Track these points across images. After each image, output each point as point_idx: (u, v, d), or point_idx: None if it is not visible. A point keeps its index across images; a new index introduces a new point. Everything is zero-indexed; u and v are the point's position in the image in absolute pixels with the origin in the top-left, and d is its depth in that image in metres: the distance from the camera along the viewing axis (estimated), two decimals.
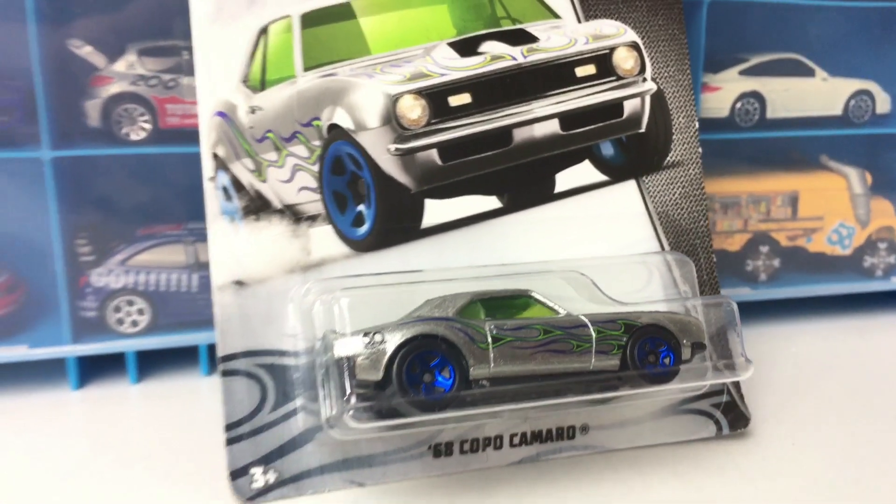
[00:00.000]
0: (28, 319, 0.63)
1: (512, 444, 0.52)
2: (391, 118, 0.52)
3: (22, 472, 0.52)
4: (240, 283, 0.50)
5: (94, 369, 0.64)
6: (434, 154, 0.53)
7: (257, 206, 0.51)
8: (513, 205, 0.56)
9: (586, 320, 0.47)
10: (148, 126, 0.62)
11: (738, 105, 0.73)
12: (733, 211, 0.76)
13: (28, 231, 0.62)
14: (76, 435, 0.57)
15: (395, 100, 0.52)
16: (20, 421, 0.58)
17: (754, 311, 0.77)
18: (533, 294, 0.48)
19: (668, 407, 0.55)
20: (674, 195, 0.59)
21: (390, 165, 0.52)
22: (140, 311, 0.63)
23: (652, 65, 0.59)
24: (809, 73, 0.75)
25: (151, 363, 0.65)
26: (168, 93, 0.62)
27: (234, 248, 0.50)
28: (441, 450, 0.51)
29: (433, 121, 0.53)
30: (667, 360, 0.47)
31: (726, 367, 0.51)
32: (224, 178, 0.51)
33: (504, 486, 0.51)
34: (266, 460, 0.48)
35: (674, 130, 0.59)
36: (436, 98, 0.53)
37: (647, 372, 0.47)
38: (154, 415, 0.60)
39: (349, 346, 0.43)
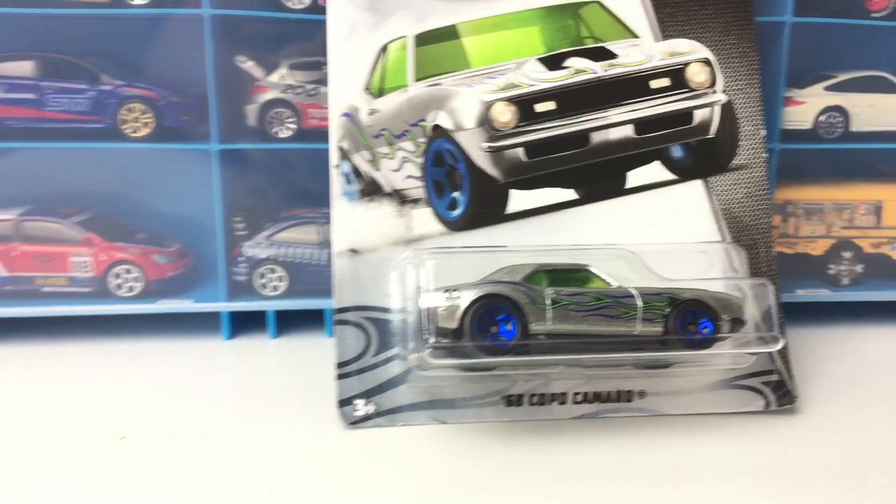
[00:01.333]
0: (194, 281, 0.78)
1: (575, 402, 0.61)
2: (485, 121, 0.63)
3: (181, 401, 0.65)
4: (354, 251, 0.61)
5: (242, 324, 0.78)
6: (520, 152, 0.63)
7: (371, 190, 0.63)
8: (588, 197, 0.64)
9: (635, 292, 0.55)
10: (293, 126, 0.75)
11: (822, 118, 0.78)
12: (816, 217, 0.80)
13: (198, 210, 0.76)
14: (226, 375, 0.71)
15: (489, 106, 0.63)
16: (183, 360, 0.72)
17: (834, 312, 0.81)
18: (591, 268, 0.56)
19: (720, 381, 0.62)
20: (738, 195, 0.66)
21: (482, 160, 0.63)
22: (280, 278, 0.76)
23: (723, 78, 0.66)
24: (894, 90, 0.79)
25: (287, 322, 0.78)
26: (310, 99, 0.75)
27: (350, 223, 0.62)
28: (513, 400, 0.60)
29: (521, 124, 0.63)
30: (705, 331, 0.55)
31: (758, 340, 0.57)
32: (346, 167, 0.63)
33: (565, 436, 0.59)
34: (367, 394, 0.60)
35: (741, 137, 0.66)
36: (524, 105, 0.63)
37: (684, 338, 0.54)
38: (286, 362, 0.72)
39: (432, 299, 0.53)
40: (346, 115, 0.63)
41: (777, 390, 0.62)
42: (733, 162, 0.66)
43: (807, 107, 0.79)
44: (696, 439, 0.59)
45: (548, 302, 0.53)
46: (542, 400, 0.61)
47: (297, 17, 0.71)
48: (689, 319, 0.55)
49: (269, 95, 0.75)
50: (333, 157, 0.63)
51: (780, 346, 0.58)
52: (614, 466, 0.55)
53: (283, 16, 0.71)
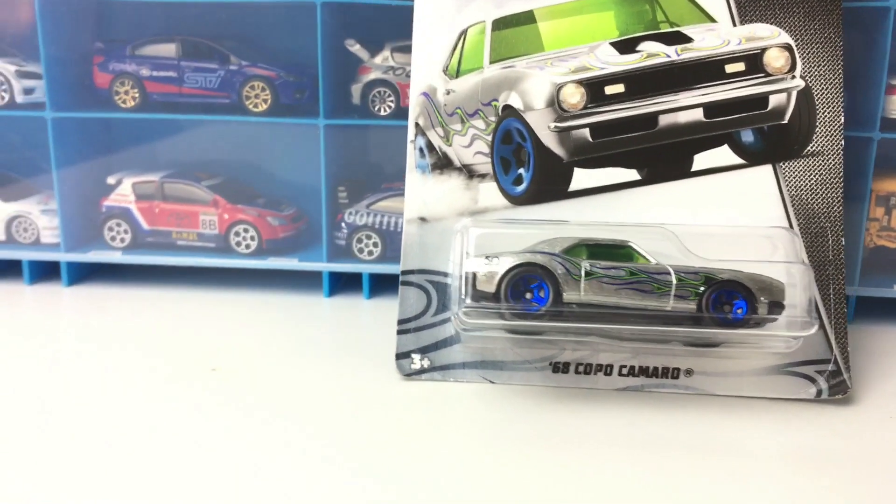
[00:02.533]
0: (303, 242, 0.87)
1: (620, 374, 0.63)
2: (554, 102, 0.66)
3: (274, 345, 0.74)
4: (423, 219, 0.67)
5: (342, 284, 0.86)
6: (586, 132, 0.66)
7: (442, 164, 0.68)
8: (651, 178, 0.66)
9: (670, 269, 0.57)
10: (392, 105, 0.81)
11: None
12: None
13: (309, 179, 0.85)
14: (319, 326, 0.78)
15: (559, 88, 0.66)
16: (287, 312, 0.81)
17: None
18: (632, 244, 0.59)
19: (772, 366, 0.62)
20: (810, 181, 0.65)
21: (549, 139, 0.66)
22: (375, 244, 0.83)
23: (804, 64, 0.65)
24: None
25: (380, 284, 0.85)
26: (408, 80, 0.81)
27: (422, 193, 0.67)
28: (559, 367, 0.64)
29: (589, 105, 0.66)
30: (739, 311, 0.56)
31: (790, 324, 0.57)
32: (421, 141, 0.68)
33: (608, 406, 0.62)
34: (424, 350, 0.65)
35: (818, 124, 0.65)
36: (593, 87, 0.66)
37: (716, 316, 0.55)
38: (377, 319, 0.79)
39: (474, 264, 0.58)
40: (424, 94, 0.68)
41: (831, 379, 0.62)
42: (807, 149, 0.65)
43: None
44: (740, 421, 0.60)
45: (582, 273, 0.56)
46: (588, 370, 0.63)
47: (399, 4, 0.77)
48: (725, 299, 0.56)
49: (373, 76, 0.81)
50: (410, 132, 0.68)
51: (811, 331, 0.57)
52: (650, 437, 0.58)
53: (388, 2, 0.77)
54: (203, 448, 0.56)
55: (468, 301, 0.58)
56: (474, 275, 0.58)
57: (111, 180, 0.87)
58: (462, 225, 0.64)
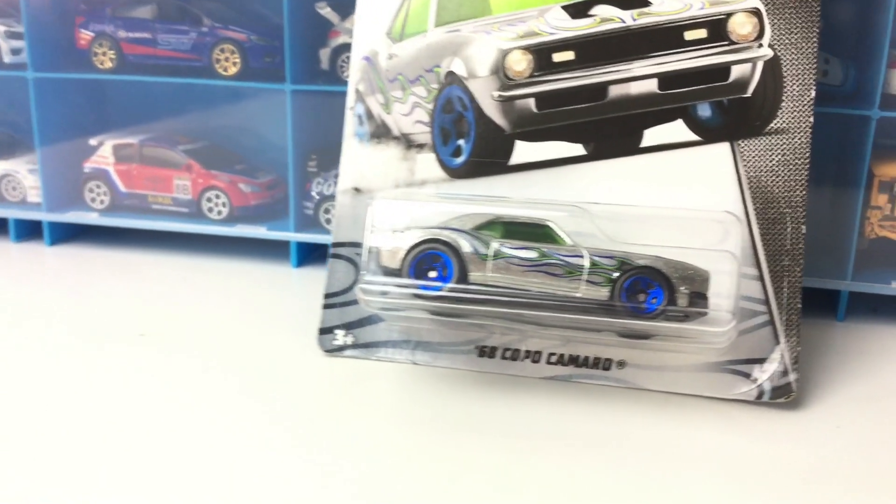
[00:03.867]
0: (277, 211, 0.85)
1: (549, 362, 0.59)
2: (499, 69, 0.62)
3: (236, 314, 0.73)
4: (357, 190, 0.64)
5: (311, 254, 0.84)
6: (531, 102, 0.61)
7: (381, 133, 0.65)
8: (597, 154, 0.61)
9: (584, 252, 0.52)
10: None
11: None
12: None
13: (283, 146, 0.83)
14: (285, 299, 0.76)
15: (504, 54, 0.62)
16: (252, 280, 0.80)
17: None
18: (550, 224, 0.54)
19: (713, 363, 0.57)
20: (771, 162, 0.59)
21: (491, 109, 0.62)
22: None
23: (773, 31, 0.59)
24: None
25: None
26: None
27: (358, 162, 0.64)
28: (486, 351, 0.60)
29: (535, 73, 0.61)
30: (654, 301, 0.51)
31: (699, 316, 0.51)
32: (360, 108, 0.65)
33: (532, 396, 0.58)
34: (348, 326, 0.63)
35: (784, 98, 0.59)
36: (540, 54, 0.61)
37: (627, 306, 0.50)
38: None
39: (379, 239, 0.55)
40: (366, 58, 0.65)
41: (775, 380, 0.56)
42: (771, 125, 0.59)
43: None
44: (667, 420, 0.55)
45: (490, 252, 0.53)
46: (516, 355, 0.60)
47: None
48: (640, 287, 0.51)
49: (342, 40, 0.79)
50: (350, 98, 0.65)
51: (725, 328, 0.52)
52: (567, 433, 0.54)
53: None
54: (116, 408, 0.56)
55: (367, 277, 0.55)
56: (378, 250, 0.55)
57: (93, 142, 0.88)
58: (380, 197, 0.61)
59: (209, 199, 0.84)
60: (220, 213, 0.85)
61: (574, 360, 0.59)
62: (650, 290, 0.51)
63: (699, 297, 0.51)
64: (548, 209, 0.56)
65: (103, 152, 0.87)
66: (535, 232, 0.54)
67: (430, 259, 0.54)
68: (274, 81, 0.79)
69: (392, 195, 0.62)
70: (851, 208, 0.70)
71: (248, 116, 0.88)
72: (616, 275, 0.51)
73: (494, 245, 0.53)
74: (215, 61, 0.81)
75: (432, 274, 0.54)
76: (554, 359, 0.59)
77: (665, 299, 0.51)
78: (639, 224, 0.56)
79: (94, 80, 0.87)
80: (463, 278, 0.53)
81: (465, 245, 0.53)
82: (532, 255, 0.52)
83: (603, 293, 0.51)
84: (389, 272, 0.55)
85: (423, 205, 0.58)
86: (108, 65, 0.84)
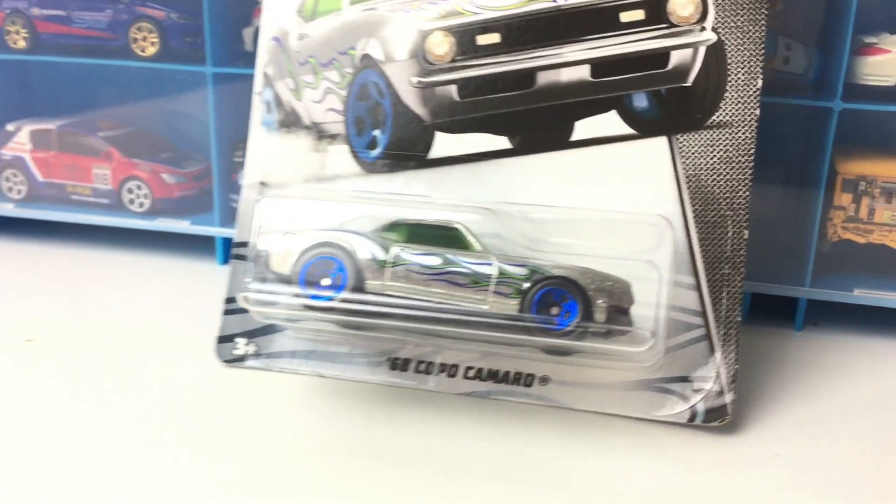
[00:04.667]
0: (201, 203, 0.79)
1: (466, 377, 0.54)
2: (419, 52, 0.56)
3: (161, 316, 0.67)
4: (264, 185, 0.58)
5: None
6: (452, 89, 0.56)
7: (290, 121, 0.59)
8: (524, 147, 0.55)
9: (493, 259, 0.46)
10: None
11: None
12: None
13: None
14: (215, 298, 0.70)
15: (424, 35, 0.56)
16: (172, 280, 0.74)
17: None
18: (458, 227, 0.48)
19: (642, 380, 0.51)
20: (712, 159, 0.53)
21: (410, 97, 0.56)
22: None
23: (717, 13, 0.53)
24: None
25: None
26: None
27: (265, 154, 0.59)
28: (398, 364, 0.54)
29: (458, 58, 0.55)
30: (566, 316, 0.45)
31: (617, 333, 0.46)
32: (269, 94, 0.59)
33: (447, 413, 0.53)
34: (250, 335, 0.57)
35: (728, 87, 0.53)
36: (464, 36, 0.55)
37: (536, 320, 0.45)
38: None
39: (269, 241, 0.49)
40: (275, 38, 0.59)
41: (709, 401, 0.50)
42: (713, 118, 0.53)
43: (893, 57, 0.61)
44: (592, 443, 0.50)
45: (389, 258, 0.47)
46: (430, 369, 0.54)
47: None
48: (553, 300, 0.45)
49: None
50: (257, 83, 0.59)
51: (641, 349, 0.46)
52: (480, 458, 0.48)
53: None
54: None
55: (252, 285, 0.49)
56: (267, 253, 0.49)
57: (10, 127, 0.82)
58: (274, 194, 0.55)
59: (130, 190, 0.79)
60: (141, 204, 0.79)
61: (493, 376, 0.53)
62: (563, 304, 0.45)
63: (619, 312, 0.46)
64: (460, 211, 0.50)
65: (20, 139, 0.81)
66: (443, 235, 0.48)
67: (322, 265, 0.48)
68: (194, 63, 0.73)
69: (301, 190, 0.57)
70: (812, 208, 0.64)
71: (172, 101, 0.82)
72: (526, 286, 0.46)
73: (395, 250, 0.47)
74: (132, 40, 0.75)
75: (325, 282, 0.48)
76: (471, 373, 0.54)
77: (580, 314, 0.45)
78: (561, 228, 0.50)
79: (9, 61, 0.81)
80: (359, 287, 0.48)
81: (363, 250, 0.48)
82: (435, 261, 0.47)
83: (512, 306, 0.46)
84: (281, 279, 0.49)
85: (320, 203, 0.52)
86: (22, 44, 0.78)
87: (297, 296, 0.49)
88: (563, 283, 0.45)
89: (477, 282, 0.46)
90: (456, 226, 0.49)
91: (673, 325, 0.51)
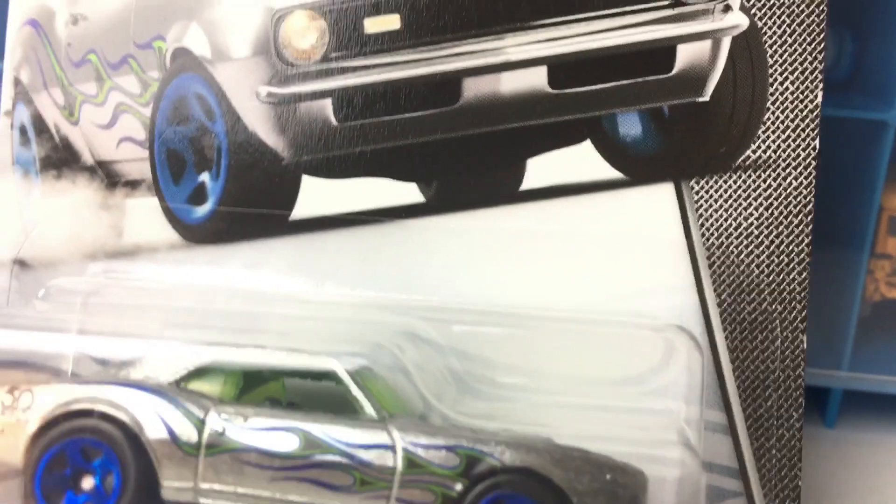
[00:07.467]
0: None
1: None
2: (270, 45, 0.34)
3: None
4: (22, 264, 0.36)
5: None
6: (327, 106, 0.35)
7: (61, 159, 0.38)
8: (444, 202, 0.36)
9: (396, 438, 0.25)
10: None
11: None
12: None
13: None
14: None
15: (278, 17, 0.34)
16: None
17: None
18: (338, 373, 0.27)
19: None
20: (746, 220, 0.33)
21: (257, 118, 0.36)
22: None
23: None
24: None
25: None
26: None
27: (23, 212, 0.36)
28: None
29: (334, 55, 0.34)
30: None
31: None
32: (24, 114, 0.37)
33: None
34: None
35: (769, 104, 0.33)
36: (343, 19, 0.34)
37: None
38: None
39: None
40: (31, 22, 0.37)
41: None
42: (747, 153, 0.33)
43: None
44: None
45: (203, 439, 0.26)
46: None
47: None
48: None
49: None
50: (5, 96, 0.37)
51: None
52: None
53: None
54: None
55: None
56: None
57: None
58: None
59: None
60: None
61: None
62: None
63: None
64: (337, 327, 0.29)
65: None
66: (307, 387, 0.27)
67: (79, 455, 0.26)
68: None
69: (82, 275, 0.35)
70: (854, 259, 0.46)
71: None
72: (459, 488, 0.25)
73: (215, 421, 0.26)
74: None
75: (87, 484, 0.27)
76: None
77: None
78: (514, 351, 0.30)
79: None
80: (147, 490, 0.26)
81: (154, 422, 0.26)
82: (290, 443, 0.26)
83: None
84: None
85: (67, 320, 0.30)
86: None
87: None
88: (524, 482, 0.25)
89: (367, 481, 0.25)
90: (332, 367, 0.27)
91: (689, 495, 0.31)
